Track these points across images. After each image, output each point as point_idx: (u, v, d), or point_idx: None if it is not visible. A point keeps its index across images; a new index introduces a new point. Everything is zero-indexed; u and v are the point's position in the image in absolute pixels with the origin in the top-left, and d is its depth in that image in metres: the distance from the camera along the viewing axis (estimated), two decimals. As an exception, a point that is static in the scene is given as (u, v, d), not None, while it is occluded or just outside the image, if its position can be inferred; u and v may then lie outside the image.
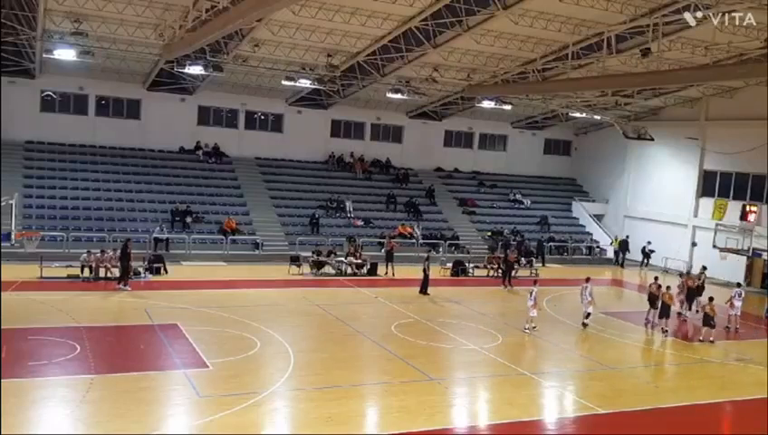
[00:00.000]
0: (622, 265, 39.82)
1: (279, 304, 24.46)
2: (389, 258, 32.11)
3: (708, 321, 22.37)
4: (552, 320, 23.96)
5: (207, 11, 22.96)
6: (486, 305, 26.41)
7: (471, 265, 33.43)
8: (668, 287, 24.46)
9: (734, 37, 25.26)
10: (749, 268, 35.52)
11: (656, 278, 25.95)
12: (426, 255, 30.21)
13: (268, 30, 27.49)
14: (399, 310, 24.41)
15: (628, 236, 40.96)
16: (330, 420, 13.90)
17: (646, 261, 39.68)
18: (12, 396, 13.72)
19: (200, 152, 38.95)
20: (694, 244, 38.17)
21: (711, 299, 22.90)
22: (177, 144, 38.78)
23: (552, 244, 40.52)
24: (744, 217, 34.65)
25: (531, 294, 22.61)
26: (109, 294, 24.11)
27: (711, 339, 22.39)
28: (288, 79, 32.50)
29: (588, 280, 24.12)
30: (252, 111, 40.28)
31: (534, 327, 22.54)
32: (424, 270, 27.54)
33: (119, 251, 26.17)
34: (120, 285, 24.86)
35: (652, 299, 23.99)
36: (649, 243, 39.46)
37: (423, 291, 27.38)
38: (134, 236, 30.53)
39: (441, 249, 37.23)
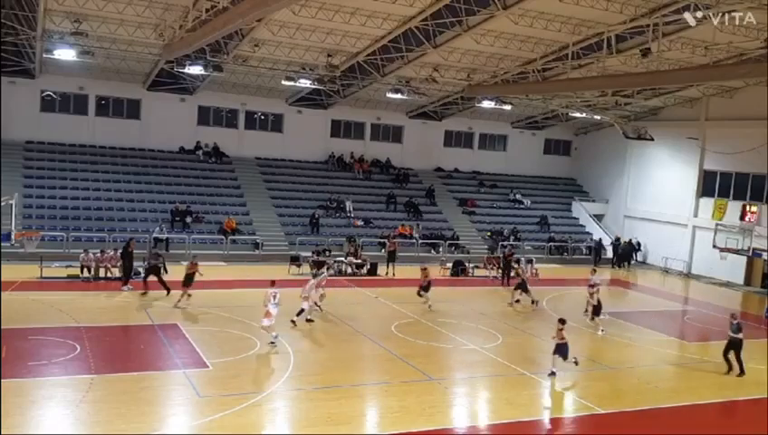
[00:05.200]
0: (618, 266, 39.86)
1: (279, 304, 24.40)
2: (391, 258, 32.14)
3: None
4: (551, 320, 23.91)
5: (207, 11, 22.98)
6: (486, 305, 26.40)
7: (471, 265, 33.43)
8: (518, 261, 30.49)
9: (734, 37, 25.27)
10: (749, 268, 35.56)
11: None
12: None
13: (268, 30, 27.49)
14: (399, 310, 24.41)
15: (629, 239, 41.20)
16: (330, 420, 13.90)
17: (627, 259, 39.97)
18: (12, 396, 13.72)
19: (200, 152, 38.94)
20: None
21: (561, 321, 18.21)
22: (177, 144, 38.77)
23: (552, 244, 40.64)
24: (743, 217, 34.63)
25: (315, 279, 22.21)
26: (109, 294, 24.10)
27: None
28: (288, 79, 32.49)
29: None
30: (252, 111, 40.28)
31: (310, 319, 21.57)
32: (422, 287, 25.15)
33: (119, 251, 26.17)
34: (125, 287, 24.78)
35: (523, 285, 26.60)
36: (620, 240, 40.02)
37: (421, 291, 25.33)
38: (134, 236, 30.54)
39: (441, 249, 37.25)
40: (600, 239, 41.27)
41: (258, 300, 24.35)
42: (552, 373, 17.54)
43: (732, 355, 19.00)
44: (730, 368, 19.02)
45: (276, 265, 31.31)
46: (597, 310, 23.26)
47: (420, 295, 25.17)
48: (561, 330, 17.66)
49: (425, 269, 25.67)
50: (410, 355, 18.66)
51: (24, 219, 30.54)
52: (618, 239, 40.87)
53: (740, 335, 18.90)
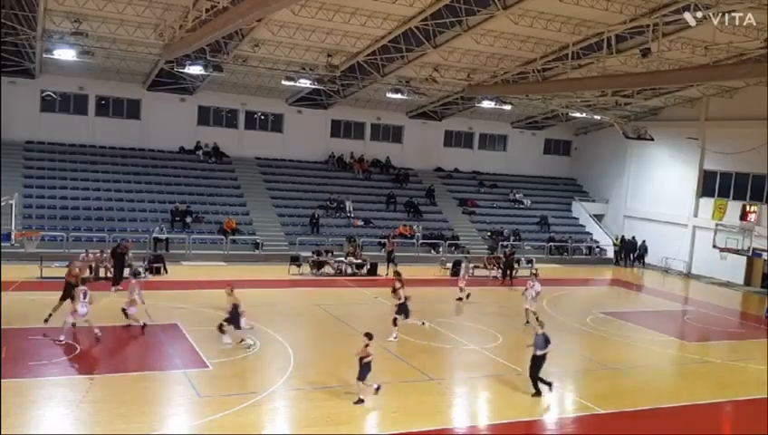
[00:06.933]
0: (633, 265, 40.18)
1: (279, 304, 24.45)
2: (390, 259, 32.15)
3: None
4: (551, 320, 23.88)
5: (207, 11, 22.98)
6: (486, 305, 26.40)
7: (471, 265, 33.37)
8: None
9: (734, 37, 25.27)
10: (749, 268, 35.56)
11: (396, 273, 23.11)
12: None
13: (268, 30, 27.49)
14: (399, 310, 24.35)
15: (633, 237, 41.23)
16: (330, 420, 13.91)
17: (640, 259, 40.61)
18: (12, 396, 13.72)
19: (200, 152, 38.94)
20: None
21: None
22: (177, 144, 38.77)
23: (552, 244, 40.68)
24: (743, 217, 34.63)
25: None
26: (108, 295, 24.07)
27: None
28: (288, 79, 32.49)
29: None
30: (252, 111, 40.28)
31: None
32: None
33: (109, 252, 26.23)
34: (112, 289, 24.74)
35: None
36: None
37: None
38: (134, 236, 30.64)
39: (441, 249, 37.26)
40: (633, 238, 41.31)
41: (259, 300, 24.46)
42: (360, 401, 14.74)
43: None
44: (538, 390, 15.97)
45: (276, 265, 31.34)
46: (406, 311, 20.30)
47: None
48: (367, 346, 14.91)
49: (230, 292, 19.12)
50: (410, 355, 18.66)
51: (24, 219, 30.53)
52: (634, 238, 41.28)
53: (542, 352, 15.91)
